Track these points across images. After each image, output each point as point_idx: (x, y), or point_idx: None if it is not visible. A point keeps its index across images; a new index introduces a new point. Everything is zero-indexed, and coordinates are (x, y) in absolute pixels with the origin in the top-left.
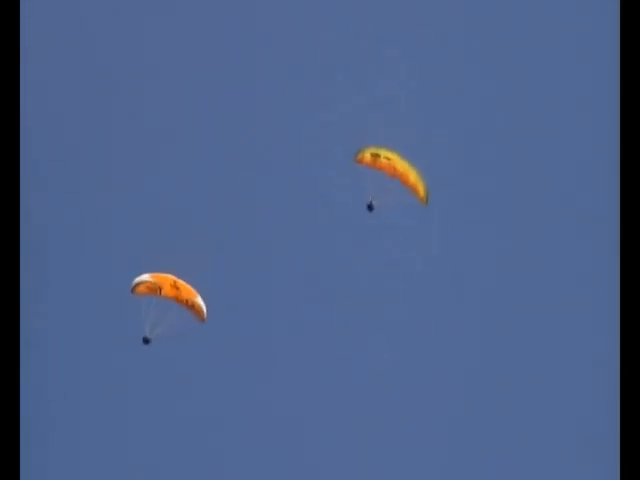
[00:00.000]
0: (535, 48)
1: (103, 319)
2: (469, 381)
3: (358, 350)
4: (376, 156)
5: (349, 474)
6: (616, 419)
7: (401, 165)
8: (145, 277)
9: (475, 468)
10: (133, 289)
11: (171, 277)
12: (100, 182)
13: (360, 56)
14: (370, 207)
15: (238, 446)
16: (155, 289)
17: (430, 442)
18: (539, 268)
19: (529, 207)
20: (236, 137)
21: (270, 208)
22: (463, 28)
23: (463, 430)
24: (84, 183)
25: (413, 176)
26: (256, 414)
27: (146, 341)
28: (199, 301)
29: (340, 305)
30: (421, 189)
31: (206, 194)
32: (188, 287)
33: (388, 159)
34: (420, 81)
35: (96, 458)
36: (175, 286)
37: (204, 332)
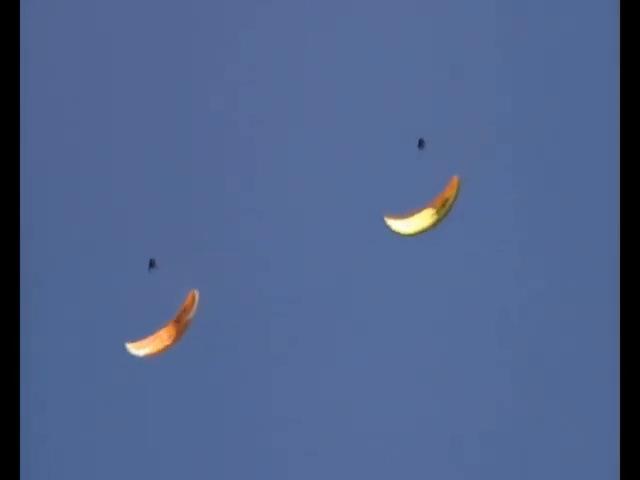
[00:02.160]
0: (534, 46)
1: (104, 320)
2: (468, 378)
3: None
4: (444, 203)
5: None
6: (616, 419)
7: (439, 215)
8: (192, 313)
9: (476, 469)
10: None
11: (184, 324)
12: (100, 182)
13: None
14: (421, 144)
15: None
16: (188, 307)
17: (430, 445)
18: (538, 267)
19: (528, 206)
20: (239, 134)
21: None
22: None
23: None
24: (84, 183)
25: (434, 218)
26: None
27: (152, 264)
28: (171, 338)
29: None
30: (430, 220)
31: (208, 197)
32: (180, 328)
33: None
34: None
35: (96, 459)
36: (179, 319)
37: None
